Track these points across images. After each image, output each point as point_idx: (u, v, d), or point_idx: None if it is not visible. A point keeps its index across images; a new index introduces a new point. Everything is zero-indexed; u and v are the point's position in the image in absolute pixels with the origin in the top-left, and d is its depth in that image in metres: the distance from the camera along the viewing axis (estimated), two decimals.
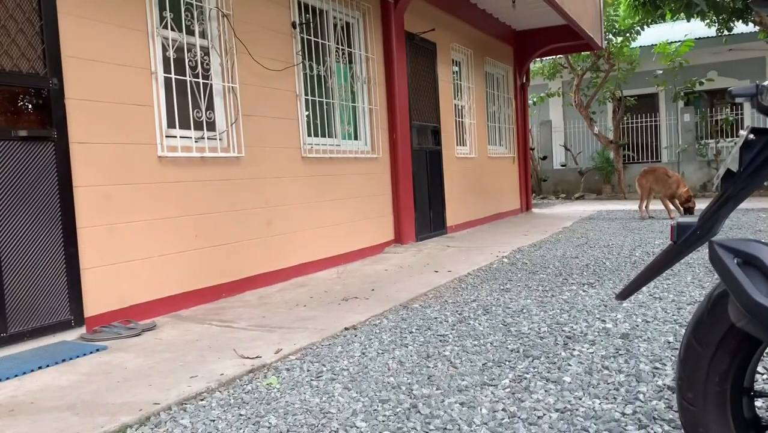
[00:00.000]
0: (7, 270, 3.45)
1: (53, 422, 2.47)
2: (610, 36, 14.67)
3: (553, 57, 15.72)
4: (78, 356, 3.39)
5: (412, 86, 7.78)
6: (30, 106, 3.68)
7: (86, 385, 2.91)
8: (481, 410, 2.41)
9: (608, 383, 2.61)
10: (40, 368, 3.20)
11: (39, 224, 3.62)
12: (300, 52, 5.84)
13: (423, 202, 7.94)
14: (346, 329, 3.75)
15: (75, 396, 2.76)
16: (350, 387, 2.75)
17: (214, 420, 2.46)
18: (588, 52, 14.52)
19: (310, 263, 5.81)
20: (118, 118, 4.09)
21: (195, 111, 4.71)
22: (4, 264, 3.43)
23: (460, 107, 9.51)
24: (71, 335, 3.75)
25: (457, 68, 9.58)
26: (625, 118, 16.58)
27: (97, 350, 3.51)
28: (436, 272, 5.55)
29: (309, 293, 4.91)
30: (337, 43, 6.52)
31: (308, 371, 3.02)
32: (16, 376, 3.08)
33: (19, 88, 3.61)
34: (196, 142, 4.68)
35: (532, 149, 16.23)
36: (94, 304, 3.90)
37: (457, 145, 9.25)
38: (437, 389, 2.66)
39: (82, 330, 3.82)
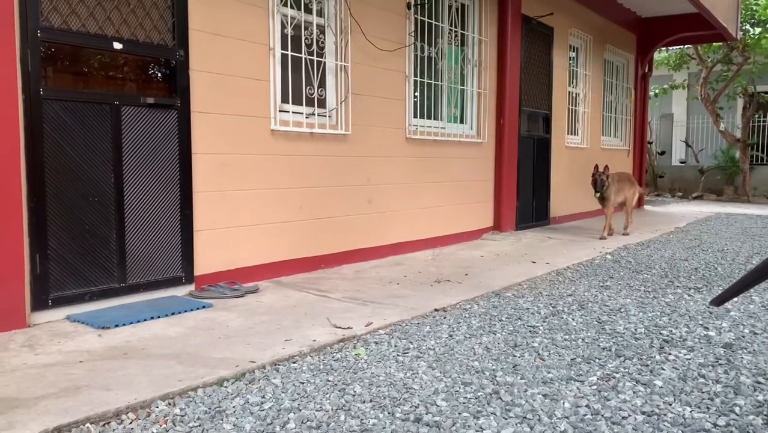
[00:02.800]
0: (129, 226, 3.76)
1: (160, 368, 2.70)
2: (747, 26, 13.58)
3: (680, 47, 14.78)
4: (186, 311, 3.65)
5: (524, 71, 7.61)
6: (158, 75, 3.96)
7: (191, 338, 3.14)
8: (564, 403, 2.38)
9: (702, 392, 2.49)
10: (152, 318, 3.48)
11: (160, 186, 3.92)
12: (413, 33, 5.87)
13: (526, 191, 7.80)
14: (436, 310, 3.79)
15: (181, 347, 2.99)
16: (434, 367, 2.80)
17: (303, 383, 2.59)
18: (720, 43, 13.53)
19: (406, 243, 5.89)
20: (236, 90, 4.32)
21: (308, 88, 4.88)
22: (127, 220, 3.75)
23: (574, 95, 9.20)
24: (181, 291, 4.04)
25: (574, 54, 9.25)
26: (756, 116, 15.35)
27: (204, 307, 3.76)
28: (534, 262, 5.46)
29: (403, 271, 4.99)
30: (451, 25, 6.49)
31: (395, 346, 3.09)
32: (131, 323, 3.37)
33: (150, 59, 3.89)
34: (306, 118, 4.85)
35: (650, 143, 15.43)
36: (203, 264, 4.17)
37: (567, 134, 8.97)
38: (521, 379, 2.65)
39: (191, 287, 4.10)
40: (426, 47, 6.12)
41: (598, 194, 7.03)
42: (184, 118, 4.00)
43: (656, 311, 3.80)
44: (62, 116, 3.43)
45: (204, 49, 4.10)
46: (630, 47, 10.96)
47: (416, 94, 6.06)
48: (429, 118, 6.28)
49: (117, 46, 3.67)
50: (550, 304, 3.99)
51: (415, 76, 5.99)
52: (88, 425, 2.15)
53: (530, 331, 3.38)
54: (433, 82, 6.28)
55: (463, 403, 2.39)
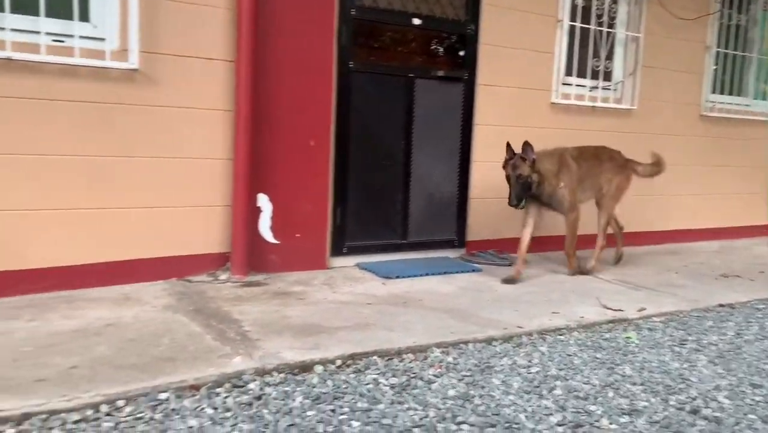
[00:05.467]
0: (414, 189, 4.08)
1: (434, 319, 2.93)
2: None
3: None
4: (457, 272, 3.87)
5: None
6: (449, 49, 4.18)
7: (462, 297, 3.34)
8: None
9: None
10: (427, 274, 3.76)
11: (442, 154, 4.17)
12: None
13: None
14: (720, 305, 3.46)
15: (452, 304, 3.20)
16: (716, 363, 2.59)
17: (570, 355, 2.61)
18: None
19: (686, 230, 5.40)
20: (520, 64, 4.36)
21: (594, 60, 4.72)
22: (412, 183, 4.07)
23: None
24: (452, 254, 4.28)
25: None
26: None
27: (473, 270, 3.95)
28: None
29: (681, 261, 4.62)
30: None
31: (671, 336, 2.92)
32: (410, 277, 3.69)
33: (444, 33, 4.13)
34: (589, 91, 4.72)
35: None
36: (474, 230, 4.35)
37: None
38: None
39: (462, 251, 4.32)
40: (734, 14, 5.45)
41: (520, 205, 3.67)
42: (469, 91, 4.18)
43: None
44: (366, 87, 3.83)
45: (493, 23, 4.21)
46: None
47: (715, 67, 5.46)
48: (730, 94, 5.62)
49: (416, 21, 3.96)
50: None
51: (717, 46, 5.39)
52: (375, 357, 2.45)
53: None
54: (738, 53, 5.58)
55: (750, 405, 2.18)
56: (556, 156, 3.82)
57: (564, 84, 4.61)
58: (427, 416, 1.99)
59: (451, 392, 2.18)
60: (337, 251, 3.85)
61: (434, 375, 2.32)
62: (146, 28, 3.11)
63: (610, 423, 2.00)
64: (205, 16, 3.28)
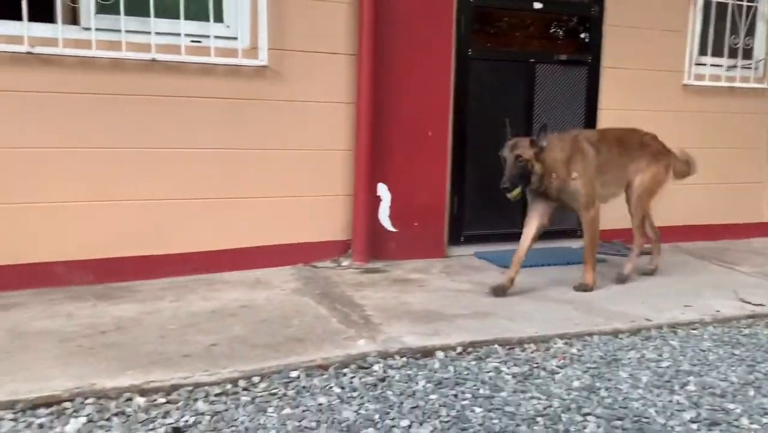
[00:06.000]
0: None
1: (557, 310, 2.88)
2: None
3: None
4: (579, 263, 3.67)
5: None
6: (571, 32, 4.06)
7: None
8: None
9: None
10: (547, 264, 3.69)
11: None
12: None
13: None
14: None
15: (574, 295, 3.13)
16: None
17: (704, 350, 2.47)
18: None
19: None
20: (648, 44, 4.14)
21: (732, 37, 4.38)
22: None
23: None
24: (575, 244, 4.13)
25: None
26: None
27: (599, 261, 3.80)
28: None
29: None
30: None
31: None
32: (528, 267, 3.56)
33: (566, 16, 4.03)
34: (726, 71, 4.39)
35: None
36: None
37: None
38: None
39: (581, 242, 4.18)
40: None
41: (515, 192, 2.97)
42: (593, 74, 4.04)
43: None
44: (484, 74, 3.80)
45: (619, 3, 4.02)
46: None
47: None
48: None
49: (537, 5, 3.87)
50: None
51: None
52: (496, 345, 2.44)
53: None
54: None
55: None
56: (567, 141, 3.14)
57: (698, 64, 4.32)
58: (551, 406, 1.97)
59: (576, 384, 2.14)
60: (455, 240, 3.86)
61: (558, 366, 2.28)
62: (274, 26, 3.27)
63: (751, 423, 1.89)
64: (328, 11, 3.39)
